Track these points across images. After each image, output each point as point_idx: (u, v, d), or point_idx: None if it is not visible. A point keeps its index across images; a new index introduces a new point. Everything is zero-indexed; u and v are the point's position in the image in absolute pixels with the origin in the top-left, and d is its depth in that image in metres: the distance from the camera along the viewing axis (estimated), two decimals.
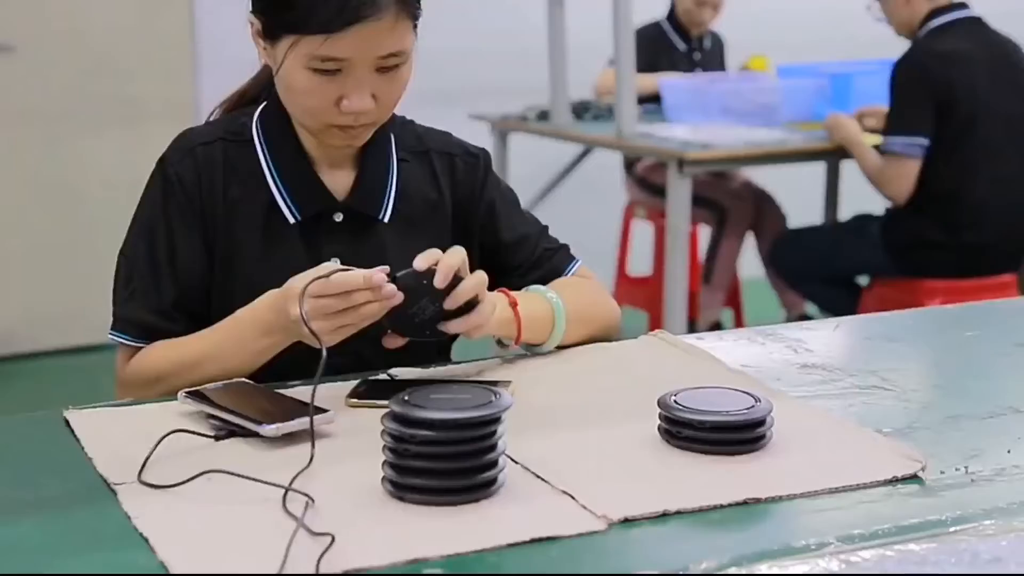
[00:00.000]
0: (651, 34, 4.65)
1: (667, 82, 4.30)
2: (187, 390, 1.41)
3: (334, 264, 1.45)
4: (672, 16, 4.77)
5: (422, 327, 1.46)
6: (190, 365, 1.50)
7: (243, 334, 1.49)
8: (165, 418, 1.38)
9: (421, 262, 1.43)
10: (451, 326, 1.46)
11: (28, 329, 4.49)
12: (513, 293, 1.60)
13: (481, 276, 1.47)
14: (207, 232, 1.59)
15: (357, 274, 1.39)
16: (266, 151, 1.62)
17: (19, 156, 4.39)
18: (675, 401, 1.31)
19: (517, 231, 1.72)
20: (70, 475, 1.25)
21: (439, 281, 1.42)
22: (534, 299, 1.61)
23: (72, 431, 1.36)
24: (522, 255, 1.71)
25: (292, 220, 1.60)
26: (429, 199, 1.67)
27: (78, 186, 4.48)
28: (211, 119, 1.71)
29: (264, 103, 1.65)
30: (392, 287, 1.40)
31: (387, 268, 1.41)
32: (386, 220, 1.63)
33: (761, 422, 1.29)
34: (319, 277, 1.39)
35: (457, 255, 1.44)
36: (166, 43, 4.52)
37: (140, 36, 4.48)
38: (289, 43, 1.48)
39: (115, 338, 1.59)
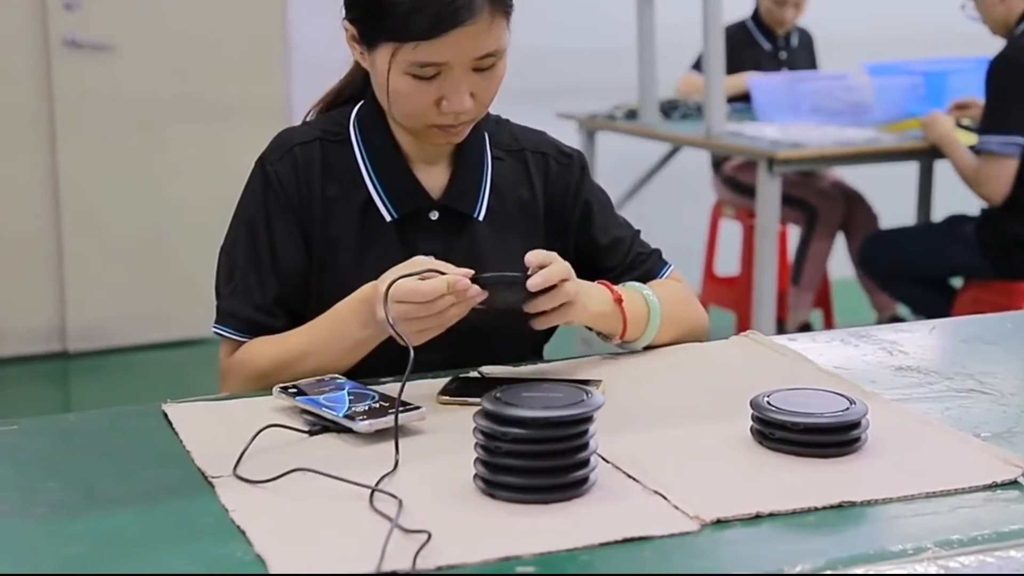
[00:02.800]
0: (736, 34, 4.61)
1: (756, 80, 4.26)
2: (281, 385, 1.43)
3: (427, 260, 1.46)
4: (757, 15, 4.73)
5: (508, 305, 1.46)
6: (292, 360, 1.52)
7: (343, 327, 1.51)
8: (260, 412, 1.40)
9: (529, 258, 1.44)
10: (537, 304, 1.45)
11: (123, 323, 4.58)
12: (616, 288, 1.60)
13: (567, 265, 1.47)
14: (305, 230, 1.61)
15: (440, 282, 1.39)
16: (363, 150, 1.63)
17: (117, 152, 4.48)
18: (768, 402, 1.30)
19: (611, 234, 1.72)
20: (168, 467, 1.27)
21: (533, 277, 1.42)
22: (632, 295, 1.61)
23: (170, 424, 1.39)
24: (616, 258, 1.71)
25: (388, 218, 1.61)
26: (522, 198, 1.68)
27: (172, 183, 4.56)
28: (307, 119, 1.73)
29: (361, 103, 1.66)
30: (476, 288, 1.41)
31: (471, 272, 1.42)
32: (480, 218, 1.64)
33: (856, 424, 1.28)
34: (409, 275, 1.40)
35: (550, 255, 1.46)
36: (259, 44, 4.59)
37: (234, 37, 4.55)
38: (389, 51, 1.49)
39: (218, 331, 1.61)
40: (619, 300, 1.58)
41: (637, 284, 1.65)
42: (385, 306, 1.39)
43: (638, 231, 1.76)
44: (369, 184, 1.62)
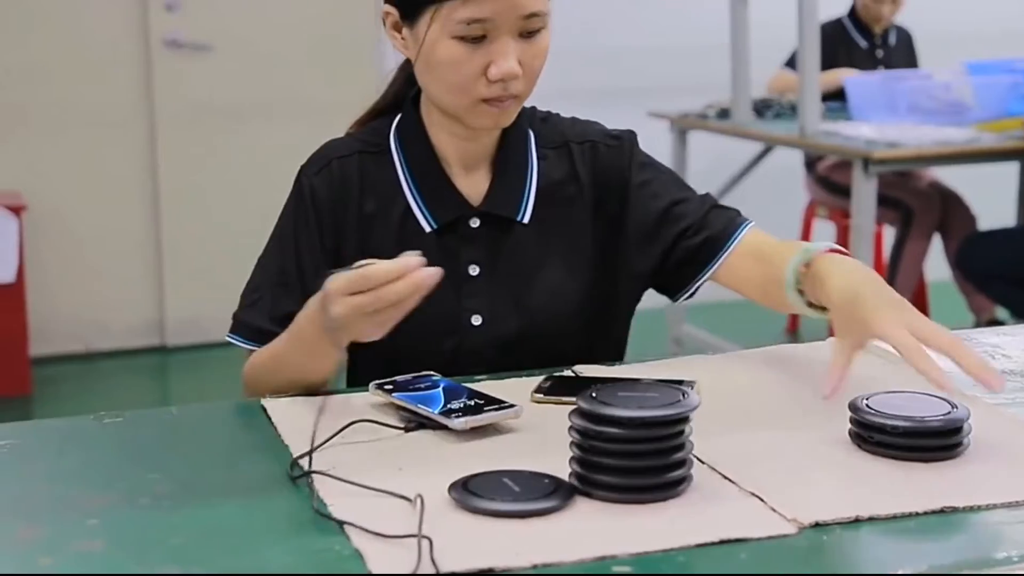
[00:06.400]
0: (832, 31, 4.56)
1: (852, 79, 4.20)
2: (377, 382, 1.44)
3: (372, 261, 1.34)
4: (853, 13, 4.67)
5: None
6: (268, 370, 1.52)
7: (300, 335, 1.46)
8: (357, 408, 1.41)
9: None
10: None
11: (221, 319, 4.60)
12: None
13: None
14: (338, 247, 1.59)
15: (382, 267, 1.29)
16: (402, 160, 1.61)
17: (215, 151, 4.57)
18: (867, 405, 1.29)
19: (674, 196, 1.63)
20: (268, 461, 1.29)
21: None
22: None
23: (269, 418, 1.41)
24: (687, 218, 1.61)
25: (428, 228, 1.59)
26: (568, 194, 1.63)
27: (269, 181, 4.59)
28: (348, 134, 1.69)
29: (400, 114, 1.64)
30: (425, 273, 1.29)
31: (419, 253, 1.31)
32: (525, 221, 1.60)
33: (958, 429, 1.26)
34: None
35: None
36: (353, 45, 4.64)
37: (329, 38, 4.61)
38: (431, 14, 1.46)
39: (230, 339, 1.61)
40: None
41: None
42: (335, 301, 1.31)
43: (709, 194, 1.68)
44: (408, 194, 1.60)
